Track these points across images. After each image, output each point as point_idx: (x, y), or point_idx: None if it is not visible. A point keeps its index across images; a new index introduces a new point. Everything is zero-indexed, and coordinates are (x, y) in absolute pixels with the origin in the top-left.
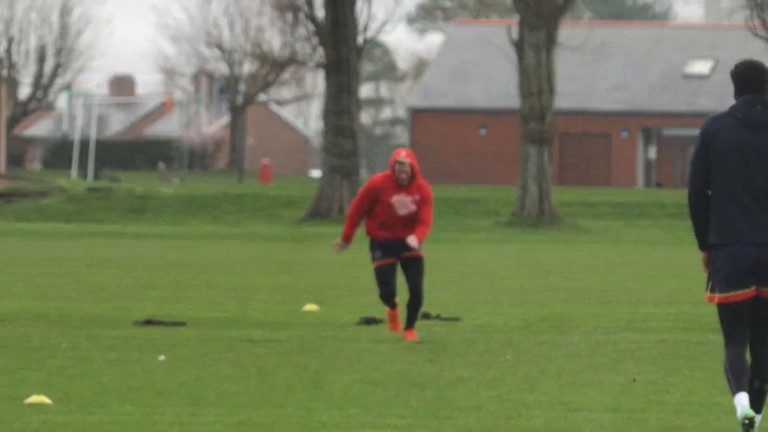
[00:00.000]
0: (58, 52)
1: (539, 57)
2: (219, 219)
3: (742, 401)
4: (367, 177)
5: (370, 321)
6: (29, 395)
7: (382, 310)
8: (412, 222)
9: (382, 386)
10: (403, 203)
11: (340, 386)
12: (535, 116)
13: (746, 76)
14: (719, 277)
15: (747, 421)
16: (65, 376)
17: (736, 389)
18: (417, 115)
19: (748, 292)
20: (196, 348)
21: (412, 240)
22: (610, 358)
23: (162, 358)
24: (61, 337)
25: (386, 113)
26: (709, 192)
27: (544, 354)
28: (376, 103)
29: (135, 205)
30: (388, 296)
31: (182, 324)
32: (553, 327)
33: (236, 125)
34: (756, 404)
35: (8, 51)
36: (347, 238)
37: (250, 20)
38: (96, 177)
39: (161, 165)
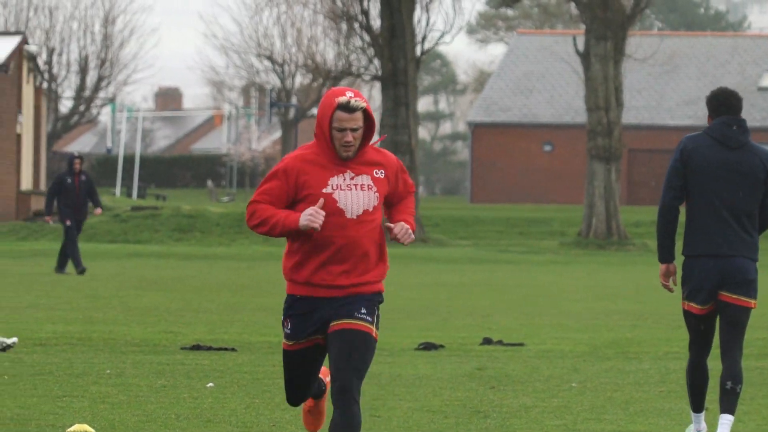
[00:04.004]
0: (101, 63)
1: (606, 69)
2: (270, 239)
3: (700, 425)
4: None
5: (429, 347)
6: (72, 423)
7: (442, 335)
8: (375, 242)
9: (442, 414)
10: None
11: (399, 414)
12: (602, 131)
13: (721, 99)
14: (695, 288)
15: None
16: (109, 404)
17: (694, 409)
18: (478, 129)
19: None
20: (247, 374)
21: (401, 229)
22: (681, 386)
23: (211, 384)
24: (106, 362)
25: (445, 128)
26: (680, 207)
27: (611, 381)
28: (435, 117)
29: (182, 224)
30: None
31: (232, 349)
32: (621, 353)
33: (288, 140)
34: (729, 406)
35: (48, 62)
36: None
37: (302, 30)
38: (141, 195)
39: (209, 182)
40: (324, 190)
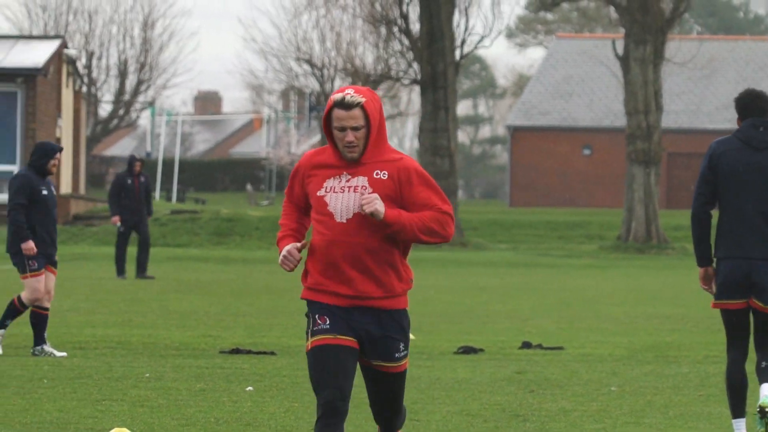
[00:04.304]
0: (141, 67)
1: (645, 73)
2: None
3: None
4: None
5: (468, 350)
6: (111, 427)
7: (481, 339)
8: (372, 250)
9: (481, 418)
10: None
11: (438, 418)
12: (642, 135)
13: (747, 101)
14: (724, 285)
15: None
16: (148, 408)
17: (734, 415)
18: (517, 133)
19: (743, 302)
20: (286, 378)
21: (368, 196)
22: (720, 390)
23: (250, 388)
24: (145, 366)
25: (485, 132)
26: (712, 211)
27: (650, 385)
28: (474, 120)
29: (221, 228)
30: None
31: (272, 353)
32: (660, 356)
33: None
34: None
35: (88, 67)
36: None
37: (341, 34)
38: (180, 199)
39: (249, 186)
40: (319, 193)
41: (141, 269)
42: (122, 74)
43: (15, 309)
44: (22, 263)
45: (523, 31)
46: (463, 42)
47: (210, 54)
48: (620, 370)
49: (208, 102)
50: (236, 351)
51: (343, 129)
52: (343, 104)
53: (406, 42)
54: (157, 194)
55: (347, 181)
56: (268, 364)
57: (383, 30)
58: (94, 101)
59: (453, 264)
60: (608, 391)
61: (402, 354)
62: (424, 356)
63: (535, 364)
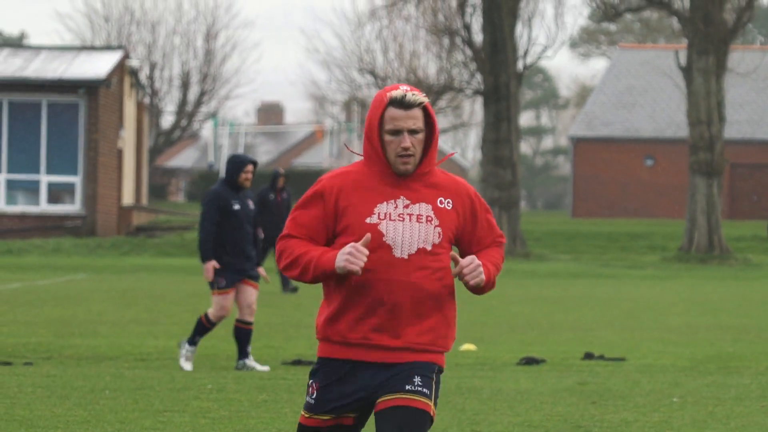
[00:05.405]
0: (203, 78)
1: (708, 83)
2: None
3: None
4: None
5: (530, 361)
6: None
7: (544, 350)
8: (436, 295)
9: (543, 429)
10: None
11: (500, 429)
12: (704, 146)
13: None
14: None
15: None
16: (210, 419)
17: None
18: (580, 144)
19: None
20: None
21: (470, 263)
22: None
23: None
24: (207, 377)
25: (547, 142)
26: None
27: (712, 396)
28: (537, 131)
29: None
30: None
31: None
32: (723, 367)
33: None
34: None
35: (150, 77)
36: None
37: (404, 45)
38: None
39: None
40: (368, 220)
41: (285, 283)
42: (185, 85)
43: (203, 326)
44: (212, 279)
45: (586, 41)
46: (525, 53)
47: (273, 65)
48: (682, 381)
49: (270, 113)
50: (298, 362)
51: (398, 132)
52: (402, 103)
53: (468, 53)
54: None
55: (405, 207)
56: None
57: (446, 40)
58: (156, 112)
59: (515, 274)
60: (670, 402)
61: (418, 388)
62: (486, 367)
63: (597, 375)
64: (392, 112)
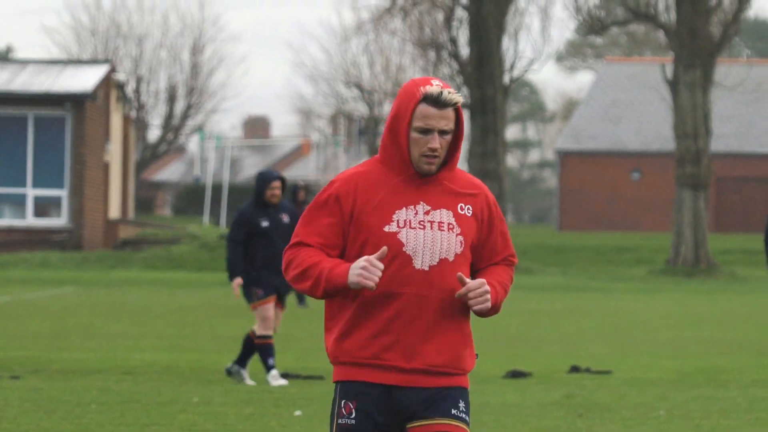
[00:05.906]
0: (189, 92)
1: (695, 97)
2: None
3: None
4: (514, 223)
5: (517, 374)
6: None
7: (530, 363)
8: (452, 311)
9: None
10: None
11: None
12: (691, 159)
13: None
14: None
15: None
16: None
17: None
18: (566, 157)
19: None
20: None
21: (478, 286)
22: None
23: (299, 413)
24: (194, 390)
25: (534, 156)
26: None
27: (699, 409)
28: (523, 145)
29: None
30: None
31: (320, 377)
32: (710, 380)
33: None
34: None
35: (137, 91)
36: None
37: (390, 59)
38: (229, 224)
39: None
40: (386, 228)
41: (301, 299)
42: (171, 99)
43: (257, 345)
44: (249, 293)
45: (573, 55)
46: (512, 66)
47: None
48: (669, 394)
49: (257, 126)
50: (285, 375)
51: (428, 131)
52: (438, 101)
53: (455, 66)
54: (205, 219)
55: (426, 213)
56: (316, 389)
57: (432, 54)
58: (142, 126)
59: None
60: (657, 415)
61: (462, 414)
62: (473, 380)
63: (584, 388)
64: (425, 109)
